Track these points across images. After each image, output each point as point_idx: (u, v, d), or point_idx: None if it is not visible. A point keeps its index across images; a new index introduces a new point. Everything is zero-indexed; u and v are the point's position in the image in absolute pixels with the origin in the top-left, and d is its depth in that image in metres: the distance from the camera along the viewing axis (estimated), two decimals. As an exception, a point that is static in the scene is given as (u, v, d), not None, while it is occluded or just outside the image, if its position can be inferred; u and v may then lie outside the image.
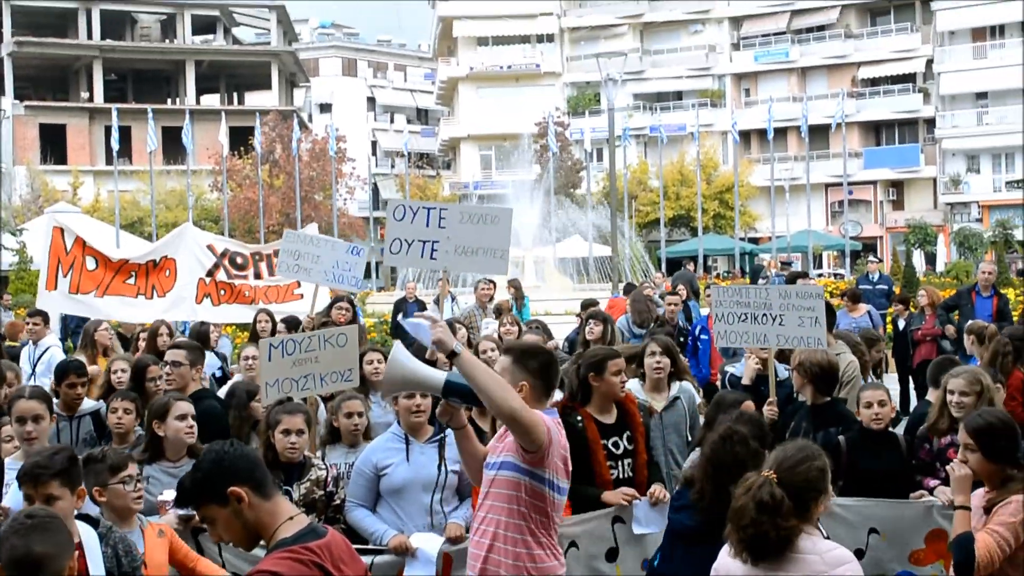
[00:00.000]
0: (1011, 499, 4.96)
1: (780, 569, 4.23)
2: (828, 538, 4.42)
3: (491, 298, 15.27)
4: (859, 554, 6.29)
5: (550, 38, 71.34)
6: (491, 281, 15.09)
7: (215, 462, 3.81)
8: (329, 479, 6.75)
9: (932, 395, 7.80)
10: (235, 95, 75.60)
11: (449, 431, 6.48)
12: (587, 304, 13.03)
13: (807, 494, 4.33)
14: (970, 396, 6.70)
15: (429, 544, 6.23)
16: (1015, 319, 15.26)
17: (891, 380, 14.67)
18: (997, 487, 5.10)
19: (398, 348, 5.08)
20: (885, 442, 6.94)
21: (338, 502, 6.70)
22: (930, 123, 65.93)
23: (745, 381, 8.01)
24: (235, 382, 9.04)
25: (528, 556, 5.05)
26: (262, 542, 3.84)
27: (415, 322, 5.10)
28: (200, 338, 11.44)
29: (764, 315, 7.72)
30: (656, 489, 6.58)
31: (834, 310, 9.40)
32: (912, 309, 16.48)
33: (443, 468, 6.51)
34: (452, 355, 4.79)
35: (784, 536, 4.22)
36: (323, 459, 7.06)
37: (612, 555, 6.47)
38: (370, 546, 6.25)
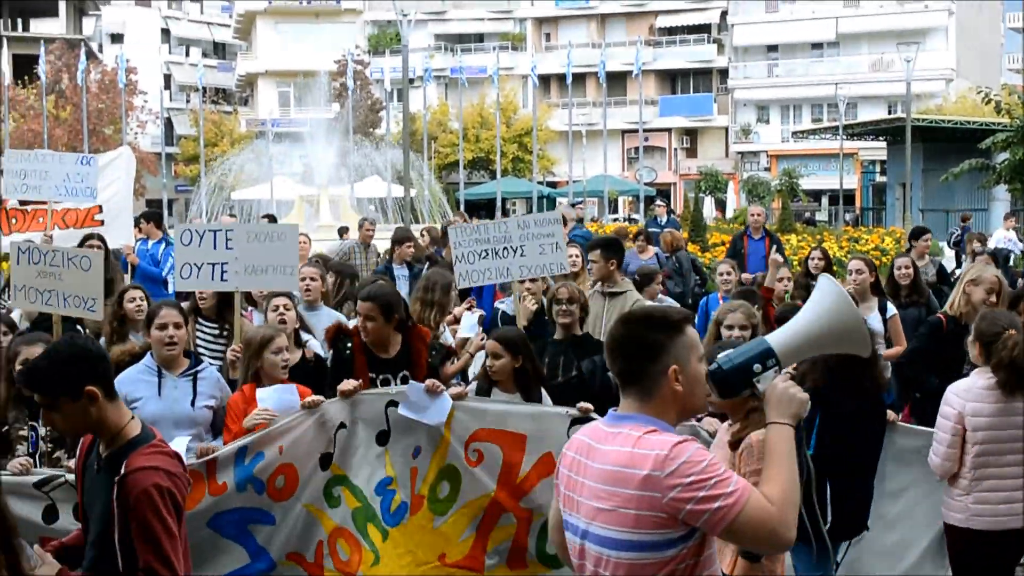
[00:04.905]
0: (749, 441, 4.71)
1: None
2: None
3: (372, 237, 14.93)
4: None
5: (351, -26, 69.96)
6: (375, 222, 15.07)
7: (76, 357, 3.80)
8: None
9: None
10: (19, 21, 71.48)
11: (205, 365, 6.08)
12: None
13: None
14: (748, 330, 6.67)
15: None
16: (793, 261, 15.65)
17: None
18: (741, 419, 4.81)
19: None
20: None
21: None
22: (723, 73, 67.65)
23: (522, 323, 7.73)
24: None
25: None
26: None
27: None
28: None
29: (505, 248, 7.85)
30: (431, 381, 6.18)
31: (623, 249, 9.51)
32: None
33: (196, 404, 6.08)
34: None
35: None
36: None
37: (383, 438, 6.19)
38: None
